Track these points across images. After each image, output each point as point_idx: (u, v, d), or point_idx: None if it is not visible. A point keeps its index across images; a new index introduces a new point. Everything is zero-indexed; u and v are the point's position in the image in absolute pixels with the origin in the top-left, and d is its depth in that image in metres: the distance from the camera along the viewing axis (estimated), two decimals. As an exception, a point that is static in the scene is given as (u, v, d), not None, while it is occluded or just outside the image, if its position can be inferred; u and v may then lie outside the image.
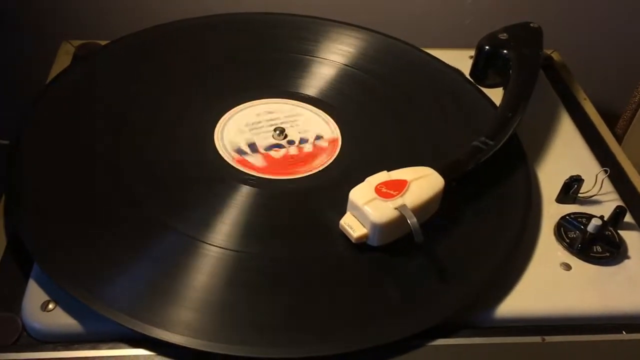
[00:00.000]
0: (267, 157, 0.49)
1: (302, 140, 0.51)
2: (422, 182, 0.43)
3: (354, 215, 0.42)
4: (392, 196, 0.41)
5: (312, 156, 0.50)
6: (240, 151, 0.49)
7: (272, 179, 0.47)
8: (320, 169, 0.48)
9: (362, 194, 0.42)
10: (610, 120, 0.64)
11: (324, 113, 0.54)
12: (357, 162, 0.49)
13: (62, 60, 0.59)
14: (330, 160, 0.49)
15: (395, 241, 0.42)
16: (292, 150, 0.50)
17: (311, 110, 0.54)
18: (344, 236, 0.43)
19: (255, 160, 0.49)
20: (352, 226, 0.42)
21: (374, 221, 0.41)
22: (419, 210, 0.41)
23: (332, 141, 0.51)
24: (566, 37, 0.77)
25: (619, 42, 0.83)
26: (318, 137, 0.51)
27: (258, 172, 0.47)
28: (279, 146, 0.50)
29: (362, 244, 0.42)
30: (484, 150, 0.47)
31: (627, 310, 0.43)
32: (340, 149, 0.50)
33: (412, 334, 0.39)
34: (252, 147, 0.50)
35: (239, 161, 0.48)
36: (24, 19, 0.75)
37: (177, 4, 0.74)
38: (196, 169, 0.47)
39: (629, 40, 0.83)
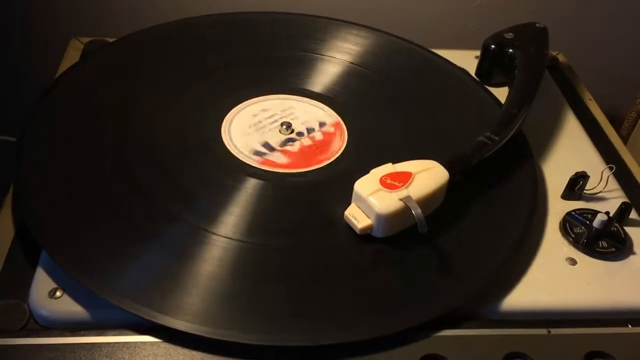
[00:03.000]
0: (286, 153, 0.49)
1: (309, 130, 0.51)
2: (426, 175, 0.43)
3: (358, 207, 0.42)
4: (397, 187, 0.42)
5: (326, 143, 0.50)
6: (258, 152, 0.49)
7: (277, 172, 0.47)
8: (332, 159, 0.49)
9: (367, 185, 0.42)
10: (615, 122, 0.64)
11: (317, 102, 0.54)
12: (362, 155, 0.49)
13: (71, 56, 0.60)
14: (344, 145, 0.50)
15: (400, 233, 0.43)
16: (305, 141, 0.51)
17: (303, 101, 0.54)
18: (348, 227, 0.43)
19: (277, 158, 0.49)
20: (357, 217, 0.42)
21: (378, 212, 0.41)
22: (423, 202, 0.41)
23: (336, 124, 0.52)
24: (571, 39, 0.77)
25: (624, 45, 0.83)
26: (322, 124, 0.52)
27: (284, 168, 0.48)
28: (292, 140, 0.51)
29: (366, 236, 0.42)
30: (489, 145, 0.47)
31: (633, 304, 0.42)
32: (346, 142, 0.51)
33: (416, 324, 0.39)
34: (267, 146, 0.50)
35: (262, 162, 0.48)
36: (34, 16, 0.76)
37: (184, 3, 0.75)
38: (204, 162, 0.48)
39: (634, 43, 0.83)
